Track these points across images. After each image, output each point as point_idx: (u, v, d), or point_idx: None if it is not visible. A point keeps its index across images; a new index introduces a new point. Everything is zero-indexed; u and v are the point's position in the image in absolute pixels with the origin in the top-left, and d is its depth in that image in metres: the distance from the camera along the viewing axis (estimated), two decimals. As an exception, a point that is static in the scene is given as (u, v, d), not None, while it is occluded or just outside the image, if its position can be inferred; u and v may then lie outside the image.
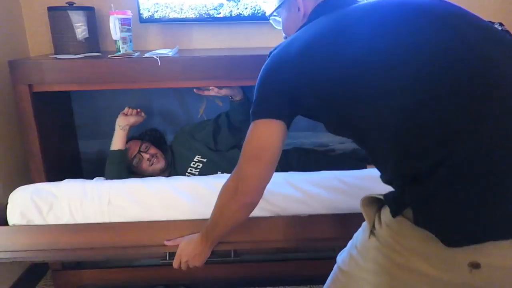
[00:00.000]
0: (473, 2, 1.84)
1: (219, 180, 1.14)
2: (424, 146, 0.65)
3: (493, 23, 1.67)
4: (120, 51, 1.56)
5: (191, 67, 1.45)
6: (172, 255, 1.14)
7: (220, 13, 1.69)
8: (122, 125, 1.61)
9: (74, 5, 1.63)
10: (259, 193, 0.92)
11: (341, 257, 0.86)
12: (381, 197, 0.74)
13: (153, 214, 1.24)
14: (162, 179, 1.40)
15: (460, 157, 0.60)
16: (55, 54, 1.64)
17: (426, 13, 0.75)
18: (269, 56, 0.91)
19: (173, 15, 1.69)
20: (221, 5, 1.68)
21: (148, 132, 1.78)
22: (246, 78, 1.46)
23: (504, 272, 0.60)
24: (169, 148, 1.76)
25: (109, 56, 1.47)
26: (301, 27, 0.92)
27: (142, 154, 1.66)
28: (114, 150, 1.60)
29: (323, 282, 0.93)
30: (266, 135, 0.87)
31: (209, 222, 1.03)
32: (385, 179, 0.75)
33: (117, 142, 1.61)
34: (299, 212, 1.23)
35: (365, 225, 0.80)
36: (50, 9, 1.62)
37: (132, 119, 1.62)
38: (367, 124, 0.74)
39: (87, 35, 1.63)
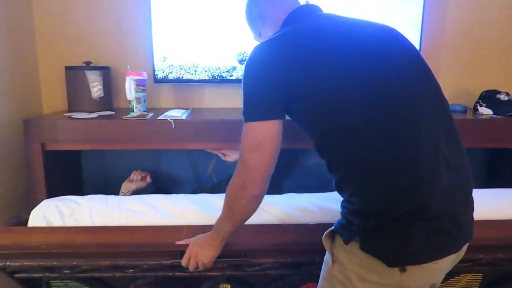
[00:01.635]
0: (479, 68, 1.90)
1: None
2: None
3: (499, 92, 1.71)
4: (134, 111, 1.59)
5: (204, 130, 1.47)
6: (184, 254, 1.12)
7: (232, 75, 1.74)
8: (124, 191, 1.66)
9: (91, 64, 1.68)
10: (266, 183, 0.94)
11: None
12: (332, 228, 0.93)
13: (170, 220, 1.26)
14: (181, 196, 1.43)
15: (399, 210, 0.82)
16: (69, 111, 1.66)
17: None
18: (251, 55, 0.93)
19: (186, 76, 1.73)
20: (234, 68, 1.73)
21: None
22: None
23: (423, 271, 0.85)
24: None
25: (123, 117, 1.49)
26: (279, 30, 0.99)
27: None
28: None
29: None
30: (262, 133, 0.90)
31: (219, 220, 1.05)
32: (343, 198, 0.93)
33: None
34: (307, 221, 1.26)
35: (326, 257, 0.95)
36: (67, 68, 1.66)
37: (134, 186, 1.67)
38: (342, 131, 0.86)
39: (102, 94, 1.66)
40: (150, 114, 1.57)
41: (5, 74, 1.54)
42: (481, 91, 1.77)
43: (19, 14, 1.66)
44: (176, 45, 1.70)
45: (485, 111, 1.66)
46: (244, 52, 1.71)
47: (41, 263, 1.17)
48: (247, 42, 1.69)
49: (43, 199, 1.51)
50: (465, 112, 1.73)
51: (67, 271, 1.20)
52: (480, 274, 1.31)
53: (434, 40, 1.86)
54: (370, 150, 0.84)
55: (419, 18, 1.73)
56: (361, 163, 0.84)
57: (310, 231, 1.22)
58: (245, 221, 1.02)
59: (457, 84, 1.91)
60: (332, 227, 0.93)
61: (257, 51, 0.92)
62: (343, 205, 0.92)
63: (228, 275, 1.23)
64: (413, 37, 1.71)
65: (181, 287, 1.31)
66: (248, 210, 0.98)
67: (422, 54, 1.05)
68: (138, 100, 1.60)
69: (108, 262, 1.17)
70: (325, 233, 0.94)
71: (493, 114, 1.63)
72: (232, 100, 1.88)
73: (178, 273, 1.20)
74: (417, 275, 0.85)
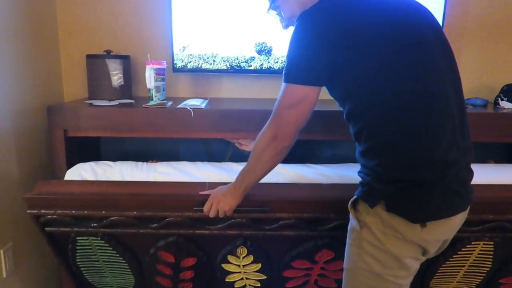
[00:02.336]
0: (500, 63, 1.87)
1: None
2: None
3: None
4: (153, 99, 1.61)
5: (223, 119, 1.48)
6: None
7: (251, 66, 1.74)
8: None
9: (112, 53, 1.70)
10: (295, 137, 1.01)
11: (345, 261, 1.05)
12: (355, 196, 1.01)
13: (195, 180, 1.36)
14: (206, 163, 1.53)
15: (421, 179, 0.93)
16: (90, 99, 1.69)
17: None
18: (301, 20, 0.94)
19: (205, 66, 1.74)
20: (253, 58, 1.73)
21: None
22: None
23: (440, 227, 0.95)
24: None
25: (144, 105, 1.51)
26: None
27: None
28: None
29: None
30: (303, 95, 0.96)
31: (244, 170, 1.11)
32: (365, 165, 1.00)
33: None
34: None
35: (353, 225, 1.02)
36: (88, 56, 1.68)
37: None
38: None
39: (122, 83, 1.68)
40: (170, 103, 1.58)
41: (28, 62, 1.57)
42: (503, 85, 1.74)
43: (42, 3, 1.69)
44: (196, 35, 1.71)
45: (507, 105, 1.64)
46: (263, 43, 1.71)
47: (73, 212, 1.25)
48: (266, 33, 1.70)
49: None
50: (485, 106, 1.70)
51: (95, 224, 1.28)
52: (492, 244, 1.34)
53: (455, 33, 1.84)
54: (401, 125, 0.91)
55: (440, 11, 1.71)
56: (391, 137, 0.93)
57: (325, 189, 1.31)
58: (267, 173, 1.08)
59: (478, 78, 1.89)
60: (355, 196, 1.02)
61: (308, 18, 0.94)
62: (365, 173, 1.00)
63: (246, 235, 1.30)
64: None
65: (199, 253, 1.37)
66: (274, 161, 1.05)
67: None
68: (157, 89, 1.62)
69: (135, 213, 1.25)
70: (350, 202, 1.03)
71: (515, 108, 1.61)
72: (250, 91, 1.89)
73: (198, 231, 1.28)
74: (435, 230, 0.95)
